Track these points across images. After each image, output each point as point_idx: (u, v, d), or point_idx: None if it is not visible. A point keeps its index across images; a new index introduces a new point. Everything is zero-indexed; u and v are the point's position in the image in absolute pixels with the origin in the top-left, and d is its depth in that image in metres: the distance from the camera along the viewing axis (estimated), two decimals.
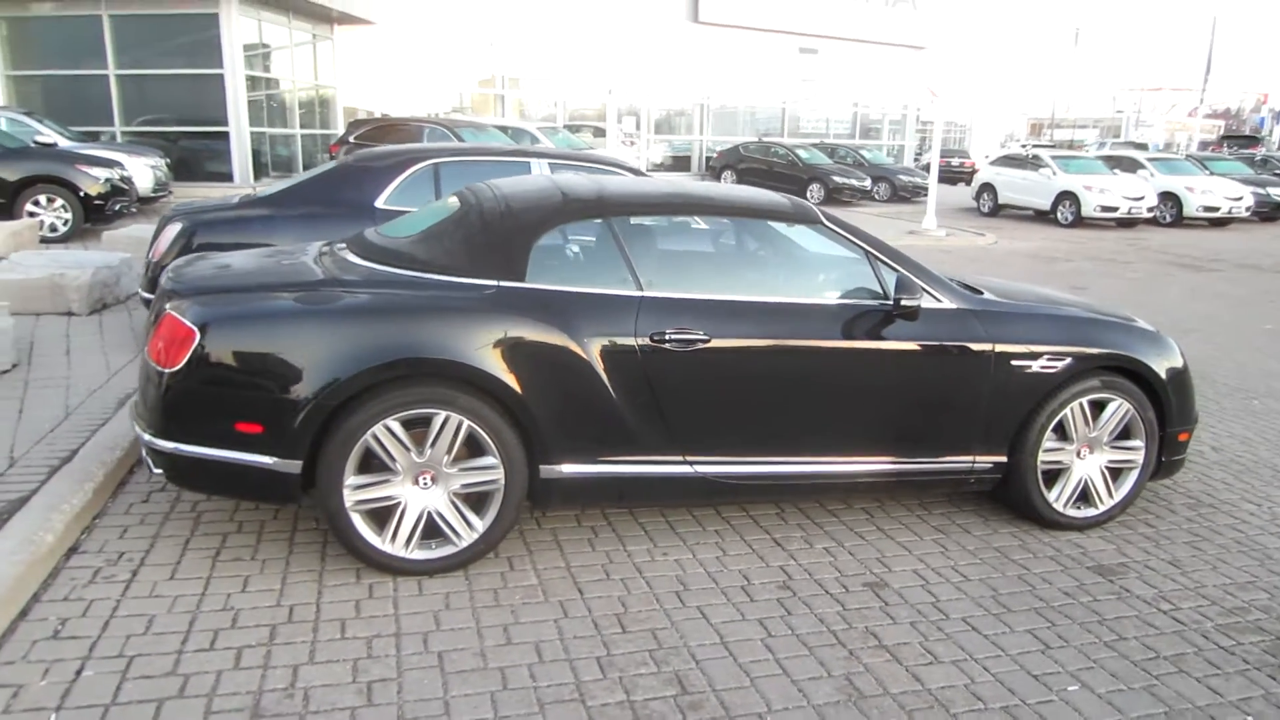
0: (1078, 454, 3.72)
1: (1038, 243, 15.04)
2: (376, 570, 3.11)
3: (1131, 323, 3.88)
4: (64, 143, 13.14)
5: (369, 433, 2.97)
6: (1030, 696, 2.58)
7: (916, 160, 30.07)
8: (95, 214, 10.78)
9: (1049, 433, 3.63)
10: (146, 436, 3.04)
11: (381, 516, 3.07)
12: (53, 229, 10.62)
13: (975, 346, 3.48)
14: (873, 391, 3.42)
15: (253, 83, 16.64)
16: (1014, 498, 3.75)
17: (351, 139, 15.12)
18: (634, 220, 3.46)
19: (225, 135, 15.98)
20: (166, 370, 2.96)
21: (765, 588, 3.16)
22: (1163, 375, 3.72)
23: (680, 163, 25.87)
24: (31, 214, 10.49)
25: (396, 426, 3.00)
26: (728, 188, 3.99)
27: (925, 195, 22.35)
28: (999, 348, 3.50)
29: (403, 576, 3.11)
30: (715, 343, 3.22)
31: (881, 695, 2.55)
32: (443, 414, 3.02)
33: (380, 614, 2.87)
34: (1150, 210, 17.54)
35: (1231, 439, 5.07)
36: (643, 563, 3.31)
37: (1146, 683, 2.67)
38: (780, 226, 3.62)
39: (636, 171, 6.19)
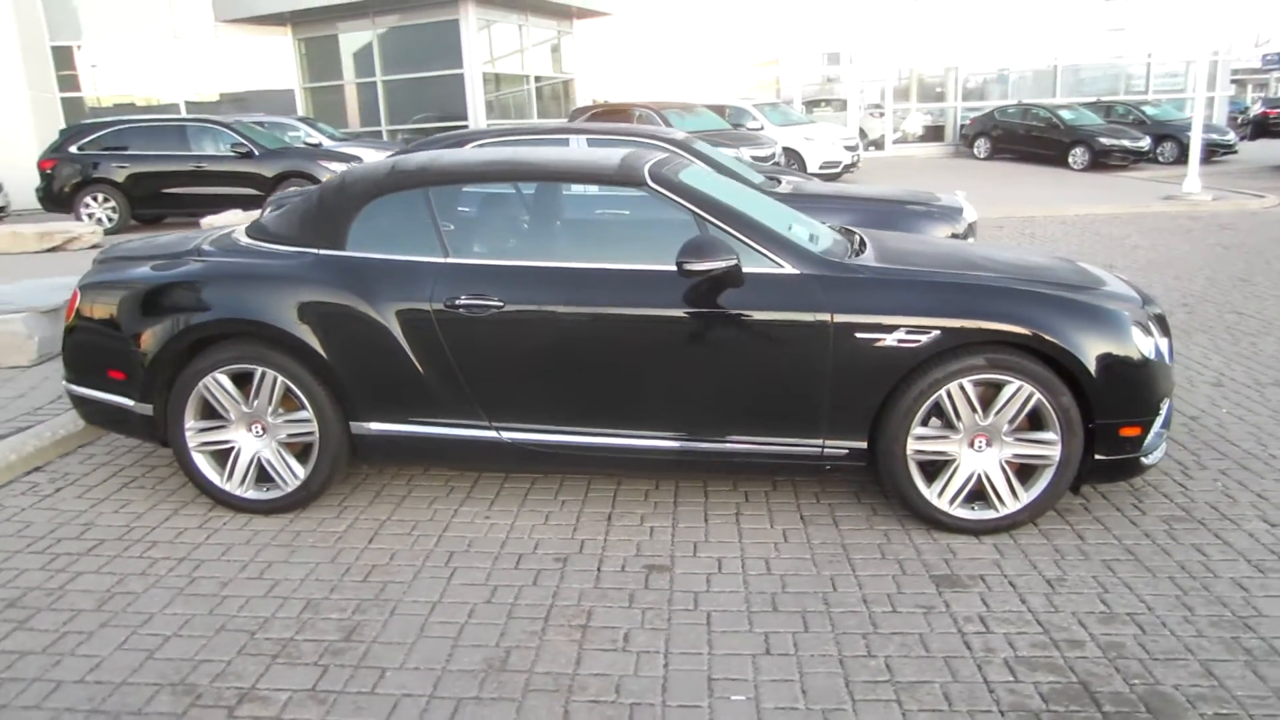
0: (970, 444, 3.16)
1: None
2: (224, 507, 3.50)
3: (1072, 292, 3.19)
4: (328, 143, 15.41)
5: (200, 384, 3.35)
6: (678, 699, 2.33)
7: (1241, 115, 25.33)
8: None
9: (922, 417, 3.13)
10: (63, 381, 3.68)
11: (223, 458, 3.46)
12: None
13: (808, 316, 3.09)
14: (689, 364, 3.17)
15: (494, 79, 18.21)
16: (889, 491, 3.28)
17: (571, 123, 16.15)
18: (476, 189, 3.50)
19: (465, 128, 17.71)
20: (65, 324, 3.56)
21: (542, 559, 3.10)
22: (1083, 354, 3.03)
23: (934, 132, 24.13)
24: None
25: (225, 379, 3.35)
26: (562, 152, 3.84)
27: (1226, 155, 18.95)
28: (839, 318, 3.08)
29: (244, 514, 3.47)
30: (510, 309, 3.20)
31: (522, 672, 2.44)
32: (259, 370, 3.32)
33: (188, 542, 3.25)
34: None
35: None
36: (460, 523, 3.39)
37: (836, 705, 2.29)
38: (615, 191, 3.46)
39: (683, 146, 6.06)
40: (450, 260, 3.28)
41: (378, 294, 3.26)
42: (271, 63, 19.42)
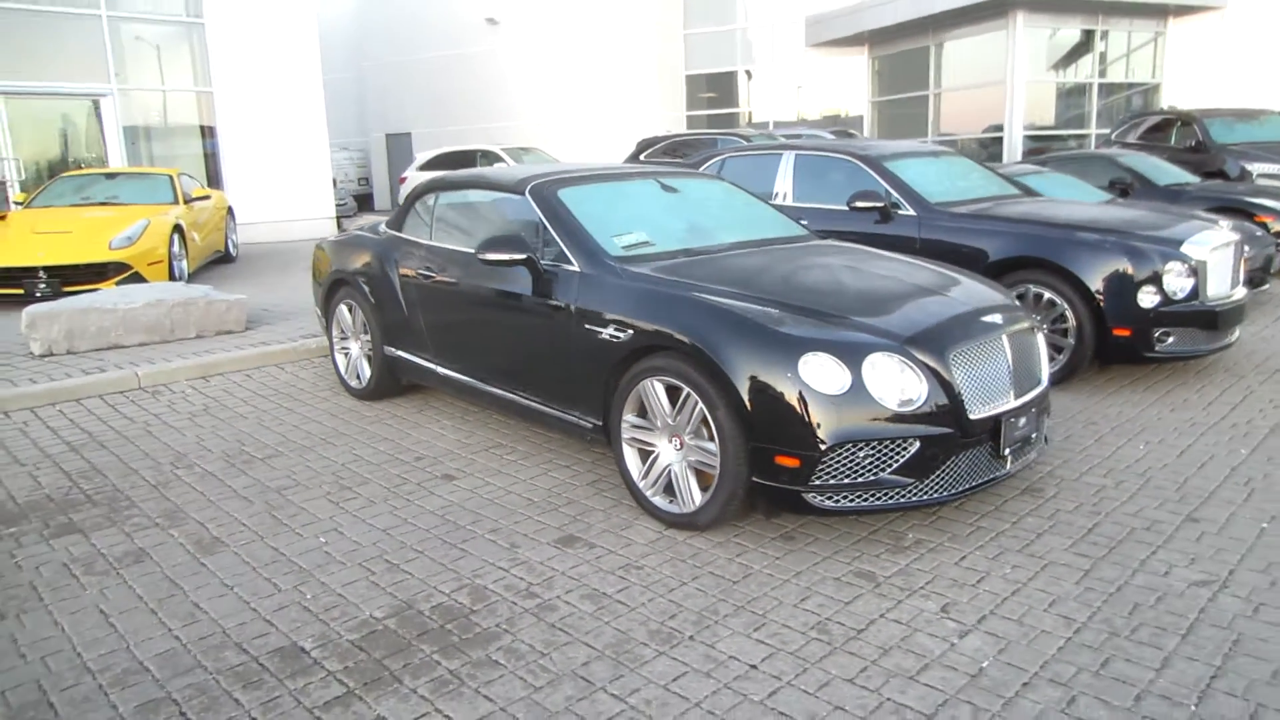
0: (670, 440, 3.41)
1: None
2: (346, 392, 5.51)
3: (771, 313, 3.17)
4: None
5: (336, 309, 5.40)
6: (299, 561, 3.48)
7: None
8: None
9: (633, 407, 3.49)
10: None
11: (346, 357, 5.46)
12: None
13: (559, 304, 3.71)
14: (513, 333, 4.02)
15: (1046, 89, 17.17)
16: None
17: (1112, 137, 14.64)
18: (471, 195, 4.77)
19: (999, 140, 17.15)
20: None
21: (404, 453, 4.36)
22: (734, 372, 3.07)
23: None
24: None
25: (343, 308, 5.33)
26: (495, 169, 4.62)
27: None
28: (574, 308, 3.64)
29: (352, 397, 5.44)
30: (437, 277, 4.48)
31: (222, 545, 3.84)
32: (352, 304, 5.21)
33: (304, 400, 5.33)
34: None
35: None
36: (421, 422, 4.80)
37: (317, 566, 3.21)
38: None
39: (870, 162, 6.08)
40: (428, 242, 4.70)
41: (394, 261, 4.84)
42: (848, 80, 21.36)
